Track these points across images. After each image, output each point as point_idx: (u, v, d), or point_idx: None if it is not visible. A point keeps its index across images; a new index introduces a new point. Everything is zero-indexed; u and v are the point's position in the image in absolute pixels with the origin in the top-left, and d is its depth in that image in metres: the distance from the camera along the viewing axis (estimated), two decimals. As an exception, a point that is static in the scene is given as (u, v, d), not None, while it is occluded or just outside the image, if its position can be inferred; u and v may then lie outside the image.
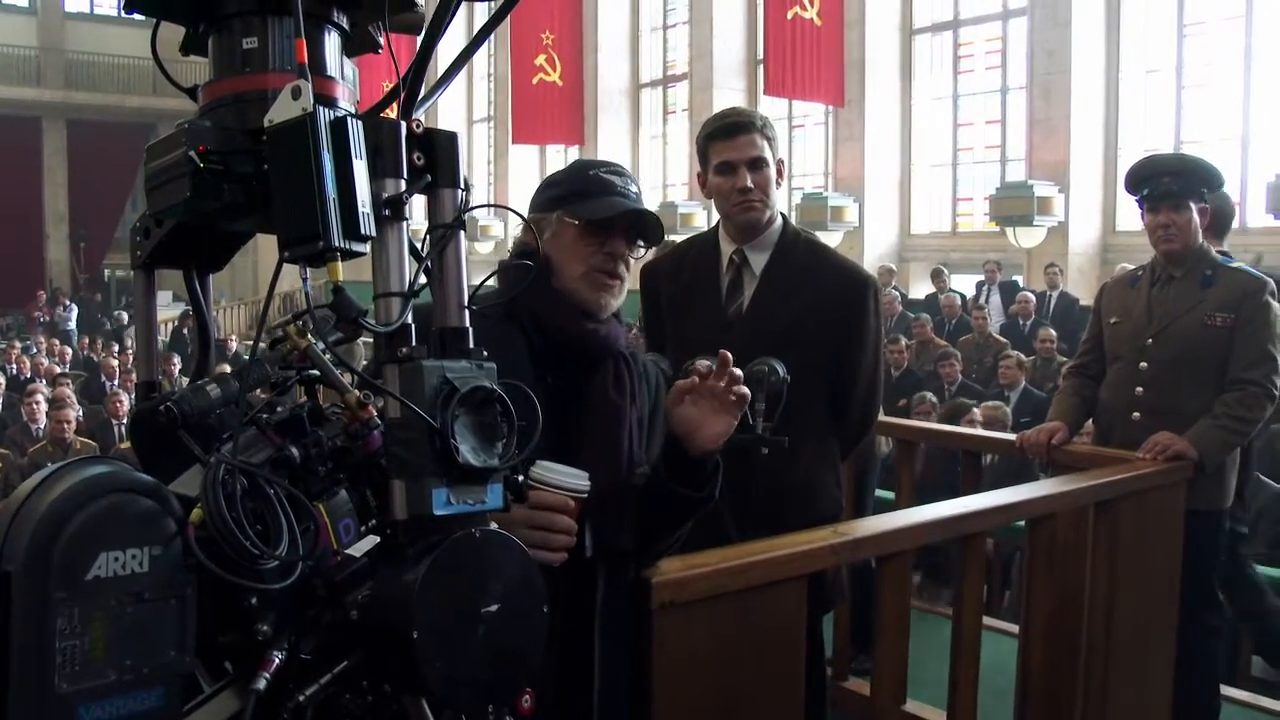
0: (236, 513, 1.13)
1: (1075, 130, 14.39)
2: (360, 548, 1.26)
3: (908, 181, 17.32)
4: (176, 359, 13.44)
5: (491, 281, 1.78)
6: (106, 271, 31.47)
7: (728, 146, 3.20)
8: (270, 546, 1.15)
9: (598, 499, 1.99)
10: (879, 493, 5.60)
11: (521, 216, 1.86)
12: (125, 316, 22.15)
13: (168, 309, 20.35)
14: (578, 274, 2.12)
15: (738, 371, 2.07)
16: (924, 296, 15.32)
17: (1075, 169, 14.44)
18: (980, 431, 6.25)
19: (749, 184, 3.18)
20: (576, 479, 1.95)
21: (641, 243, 2.18)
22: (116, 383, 13.71)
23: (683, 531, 2.23)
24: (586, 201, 2.13)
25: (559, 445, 1.99)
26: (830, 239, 15.55)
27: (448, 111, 25.34)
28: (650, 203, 20.42)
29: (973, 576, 3.35)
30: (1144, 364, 4.23)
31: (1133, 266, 4.68)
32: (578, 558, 1.98)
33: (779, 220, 3.31)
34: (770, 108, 17.53)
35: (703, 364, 2.21)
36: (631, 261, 2.19)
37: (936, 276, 14.72)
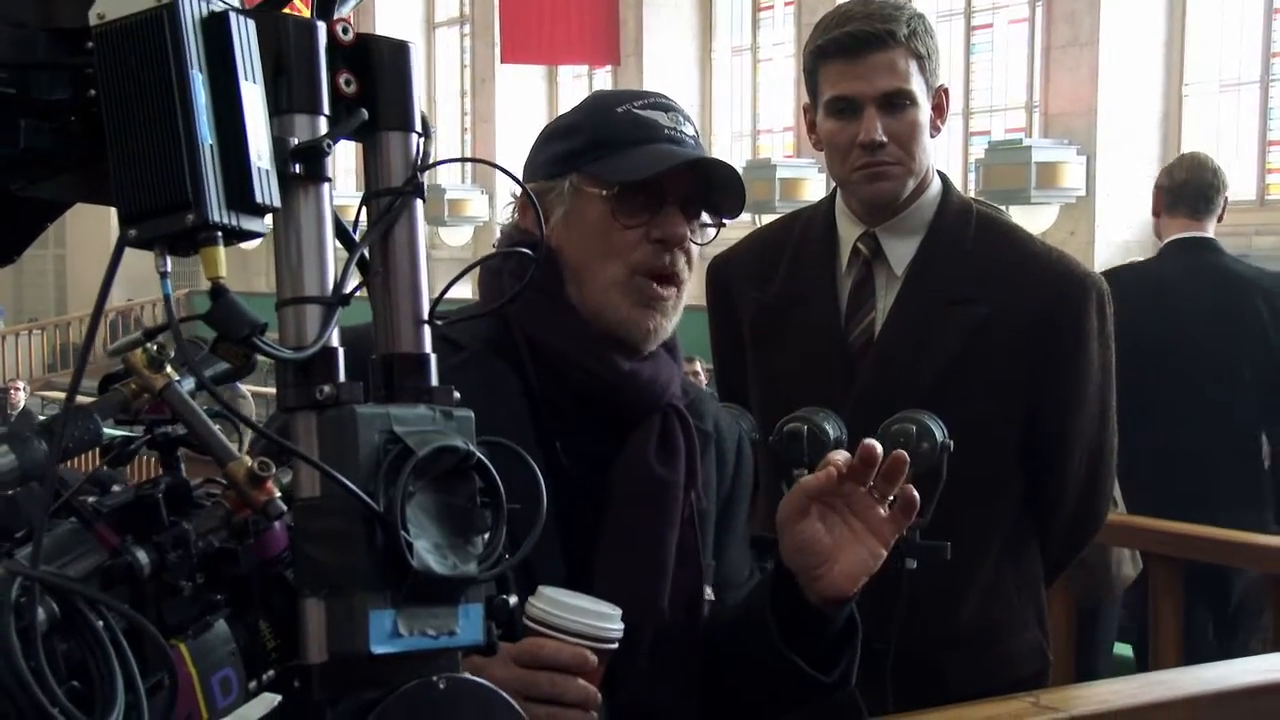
0: (37, 660, 0.81)
1: None
2: (248, 717, 0.94)
3: (1176, 116, 10.93)
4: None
5: (468, 289, 1.29)
6: None
7: (847, 71, 2.13)
8: (94, 718, 0.81)
9: (630, 646, 1.37)
10: (1119, 647, 4.23)
11: (517, 180, 1.23)
12: None
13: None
14: (610, 278, 1.48)
15: (902, 456, 1.41)
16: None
17: None
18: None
19: (879, 135, 2.11)
20: (600, 618, 1.33)
21: (710, 218, 1.53)
22: None
23: None
24: (618, 155, 1.48)
25: (571, 557, 1.45)
26: (1034, 218, 10.22)
27: (396, 7, 17.04)
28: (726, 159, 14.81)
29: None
30: None
31: None
32: None
33: (935, 185, 2.26)
34: (936, 1, 11.60)
35: (840, 457, 1.46)
36: (697, 251, 1.52)
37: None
